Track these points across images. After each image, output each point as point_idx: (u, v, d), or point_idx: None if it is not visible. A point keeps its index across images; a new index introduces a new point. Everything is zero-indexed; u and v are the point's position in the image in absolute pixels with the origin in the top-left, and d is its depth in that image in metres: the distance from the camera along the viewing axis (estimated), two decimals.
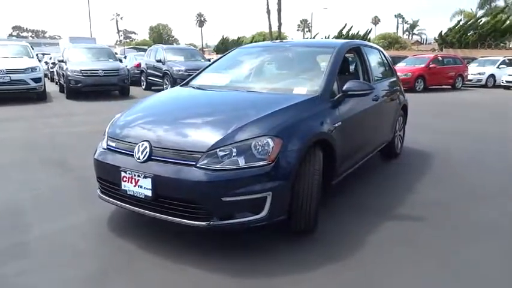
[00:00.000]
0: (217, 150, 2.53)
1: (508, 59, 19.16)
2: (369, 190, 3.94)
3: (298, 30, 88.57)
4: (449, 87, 17.45)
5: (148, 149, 2.67)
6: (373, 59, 4.53)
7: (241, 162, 2.50)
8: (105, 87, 12.29)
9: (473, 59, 21.36)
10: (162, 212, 2.64)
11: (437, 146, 5.84)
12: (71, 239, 2.91)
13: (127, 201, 2.79)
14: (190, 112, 3.15)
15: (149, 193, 2.61)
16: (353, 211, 3.41)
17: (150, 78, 14.91)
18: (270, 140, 2.58)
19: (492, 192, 3.95)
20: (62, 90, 13.23)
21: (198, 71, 4.26)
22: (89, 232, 3.03)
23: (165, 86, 13.39)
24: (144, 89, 15.26)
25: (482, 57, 21.64)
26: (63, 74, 12.36)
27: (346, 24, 35.48)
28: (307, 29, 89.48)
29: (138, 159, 2.68)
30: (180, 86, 4.05)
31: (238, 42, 50.78)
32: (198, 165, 2.52)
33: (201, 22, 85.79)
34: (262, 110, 2.87)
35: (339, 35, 34.48)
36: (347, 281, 2.41)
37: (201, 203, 2.52)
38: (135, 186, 2.68)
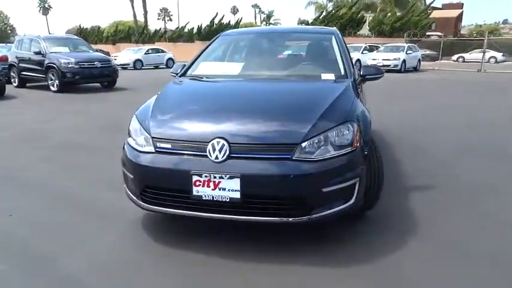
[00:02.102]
0: (310, 140, 2.42)
1: (368, 45, 22.02)
2: None
3: (158, 19, 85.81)
4: None
5: (226, 147, 2.40)
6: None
7: (331, 150, 2.44)
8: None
9: None
10: (252, 214, 2.42)
11: None
12: None
13: (201, 208, 2.47)
14: (250, 103, 2.88)
15: (236, 195, 2.36)
16: None
17: (25, 73, 12.79)
18: (351, 126, 2.57)
19: None
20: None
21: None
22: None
23: (50, 82, 11.71)
24: (17, 86, 13.05)
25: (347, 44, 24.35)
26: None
27: (217, 13, 35.84)
28: (168, 18, 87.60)
29: (216, 158, 2.38)
30: (180, 76, 3.65)
31: (99, 32, 46.88)
32: (294, 157, 2.37)
33: (45, 9, 76.41)
34: (323, 98, 2.82)
35: (211, 24, 34.67)
36: None
37: (301, 197, 2.39)
38: (214, 189, 2.38)
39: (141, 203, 2.65)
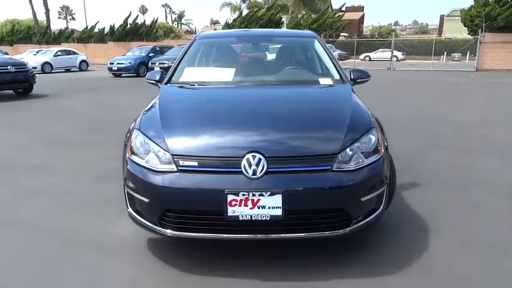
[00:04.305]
0: (346, 150, 2.35)
1: None
2: None
3: (59, 17, 79.33)
4: None
5: (263, 161, 2.23)
6: None
7: (363, 158, 2.40)
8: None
9: None
10: (293, 230, 2.29)
11: None
12: None
13: (236, 230, 2.27)
14: (274, 113, 2.69)
15: (278, 212, 2.20)
16: None
17: None
18: (375, 132, 2.56)
19: None
20: None
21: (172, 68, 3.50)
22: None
23: None
24: None
25: None
26: None
27: (131, 13, 33.89)
28: (71, 17, 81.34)
29: (254, 174, 2.20)
30: (166, 84, 3.33)
31: None
32: (334, 168, 2.28)
33: None
34: (342, 105, 2.79)
35: (125, 24, 32.86)
36: None
37: (343, 209, 2.31)
38: (253, 208, 2.20)
39: (160, 229, 2.36)
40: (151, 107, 2.87)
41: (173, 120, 2.60)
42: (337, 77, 3.37)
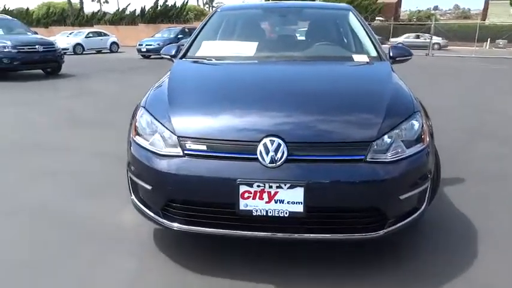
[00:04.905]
0: (383, 137, 1.95)
1: None
2: None
3: (93, 1, 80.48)
4: None
5: (283, 147, 1.87)
6: None
7: (404, 148, 2.00)
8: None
9: None
10: (316, 230, 1.94)
11: None
12: None
13: (249, 226, 1.94)
14: (298, 92, 2.30)
15: (298, 208, 1.85)
16: None
17: None
18: (420, 118, 2.14)
19: None
20: None
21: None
22: None
23: None
24: None
25: None
26: None
27: None
28: (104, 0, 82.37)
29: (272, 162, 1.85)
30: (180, 58, 3.01)
31: (28, 15, 42.78)
32: (367, 159, 1.90)
33: None
34: (380, 85, 2.39)
35: (156, 6, 32.84)
36: None
37: (378, 207, 1.93)
38: (269, 202, 1.86)
39: (163, 220, 2.06)
40: (161, 83, 2.56)
41: (182, 98, 2.28)
42: (374, 53, 2.95)
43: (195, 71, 2.82)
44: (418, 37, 30.24)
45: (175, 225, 2.03)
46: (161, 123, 2.09)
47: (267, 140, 1.88)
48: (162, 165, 1.98)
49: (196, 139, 1.97)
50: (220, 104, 2.20)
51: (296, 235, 1.94)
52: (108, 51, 25.02)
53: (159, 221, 2.08)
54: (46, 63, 11.01)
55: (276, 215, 1.87)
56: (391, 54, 3.03)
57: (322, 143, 1.92)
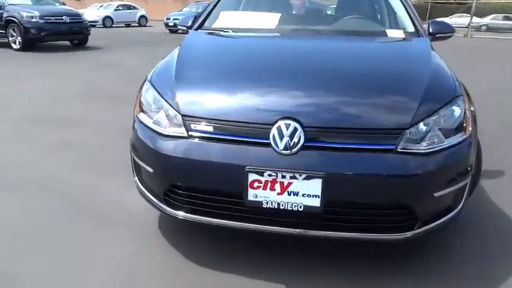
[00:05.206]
0: (418, 124, 1.68)
1: None
2: None
3: None
4: None
5: (300, 132, 1.63)
6: None
7: (442, 138, 1.72)
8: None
9: None
10: (335, 228, 1.70)
11: None
12: None
13: (258, 219, 1.73)
14: (322, 70, 2.03)
15: (315, 202, 1.62)
16: None
17: None
18: (462, 103, 1.84)
19: None
20: None
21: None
22: None
23: (11, 38, 10.29)
24: None
25: None
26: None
27: None
28: None
29: (286, 149, 1.62)
30: (196, 30, 2.77)
31: None
32: (398, 149, 1.63)
33: None
34: (416, 63, 2.09)
35: None
36: None
37: (408, 205, 1.68)
38: (281, 193, 1.64)
39: (165, 207, 1.88)
40: (171, 55, 2.34)
41: (190, 72, 2.06)
42: (411, 29, 2.62)
43: (208, 43, 2.57)
44: (508, 18, 27.32)
45: (178, 213, 1.84)
46: (165, 100, 1.88)
47: (281, 123, 1.64)
48: (164, 146, 1.78)
49: (203, 119, 1.75)
50: (232, 80, 1.96)
51: (311, 232, 1.71)
52: (137, 24, 24.98)
53: (160, 207, 1.90)
54: (73, 35, 11.01)
55: (288, 208, 1.64)
56: (430, 30, 2.69)
57: (345, 128, 1.65)
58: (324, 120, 1.68)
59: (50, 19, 10.21)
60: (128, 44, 12.82)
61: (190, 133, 1.75)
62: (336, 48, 2.38)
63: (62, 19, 10.42)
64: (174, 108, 1.82)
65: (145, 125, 1.92)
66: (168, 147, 1.77)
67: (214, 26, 2.78)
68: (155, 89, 1.98)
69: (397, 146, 1.63)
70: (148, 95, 2.00)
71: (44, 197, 2.56)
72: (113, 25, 23.76)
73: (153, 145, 1.83)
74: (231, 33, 2.66)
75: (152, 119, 1.90)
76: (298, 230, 1.71)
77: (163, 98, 1.89)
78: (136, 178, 2.08)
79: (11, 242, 2.09)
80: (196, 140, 1.74)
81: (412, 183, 1.64)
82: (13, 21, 10.09)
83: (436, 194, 1.69)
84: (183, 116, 1.78)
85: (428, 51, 2.24)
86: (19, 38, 10.14)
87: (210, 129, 1.73)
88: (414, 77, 1.91)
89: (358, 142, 1.64)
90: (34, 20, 9.98)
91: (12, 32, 10.22)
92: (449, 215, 1.81)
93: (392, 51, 2.39)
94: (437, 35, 2.69)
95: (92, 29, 12.28)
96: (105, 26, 22.98)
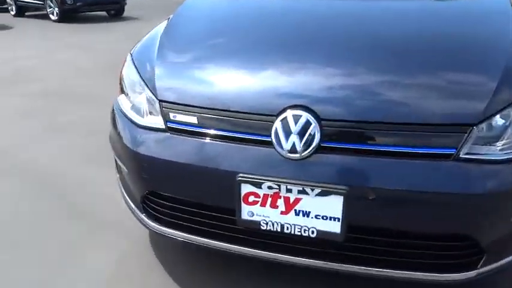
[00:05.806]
0: (492, 120, 1.13)
1: None
2: None
3: None
4: None
5: (314, 127, 1.14)
6: None
7: None
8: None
9: None
10: (363, 262, 1.21)
11: None
12: None
13: (256, 243, 1.28)
14: (345, 37, 1.47)
15: (334, 227, 1.14)
16: None
17: (21, 0, 11.30)
18: None
19: None
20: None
21: None
22: None
23: (49, 10, 10.23)
24: (14, 15, 11.57)
25: None
26: None
27: None
28: None
29: (293, 151, 1.13)
30: None
31: None
32: (461, 154, 1.10)
33: None
34: (484, 27, 1.49)
35: None
36: None
37: (471, 234, 1.16)
38: (286, 213, 1.17)
39: (142, 217, 1.47)
40: (160, 25, 1.87)
41: (177, 46, 1.58)
42: None
43: (205, 7, 2.02)
44: None
45: (149, 224, 1.43)
46: (143, 80, 1.43)
47: (288, 114, 1.16)
48: (136, 140, 1.36)
49: (185, 107, 1.29)
50: (227, 55, 1.46)
51: (329, 263, 1.23)
52: None
53: (138, 216, 1.50)
54: (108, 5, 10.78)
55: (296, 233, 1.18)
56: None
57: (382, 123, 1.13)
58: (351, 112, 1.16)
59: None
60: (167, 14, 12.44)
61: (169, 125, 1.31)
62: (374, 9, 1.76)
63: None
64: (151, 91, 1.38)
65: (121, 111, 1.50)
66: (140, 142, 1.35)
67: None
68: (134, 65, 1.54)
69: (460, 149, 1.09)
70: (127, 73, 1.57)
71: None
72: None
73: (125, 138, 1.41)
74: None
75: (132, 103, 1.48)
76: (309, 260, 1.24)
77: (142, 78, 1.45)
78: (117, 175, 1.69)
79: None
80: (175, 134, 1.29)
81: (480, 204, 1.11)
82: None
83: None
84: (160, 101, 1.34)
85: (508, 10, 1.61)
86: (56, 9, 10.07)
87: (193, 120, 1.27)
88: (488, 50, 1.32)
89: (399, 144, 1.12)
90: None
91: (50, 3, 10.15)
92: None
93: (454, 11, 1.72)
94: None
95: None
96: None
